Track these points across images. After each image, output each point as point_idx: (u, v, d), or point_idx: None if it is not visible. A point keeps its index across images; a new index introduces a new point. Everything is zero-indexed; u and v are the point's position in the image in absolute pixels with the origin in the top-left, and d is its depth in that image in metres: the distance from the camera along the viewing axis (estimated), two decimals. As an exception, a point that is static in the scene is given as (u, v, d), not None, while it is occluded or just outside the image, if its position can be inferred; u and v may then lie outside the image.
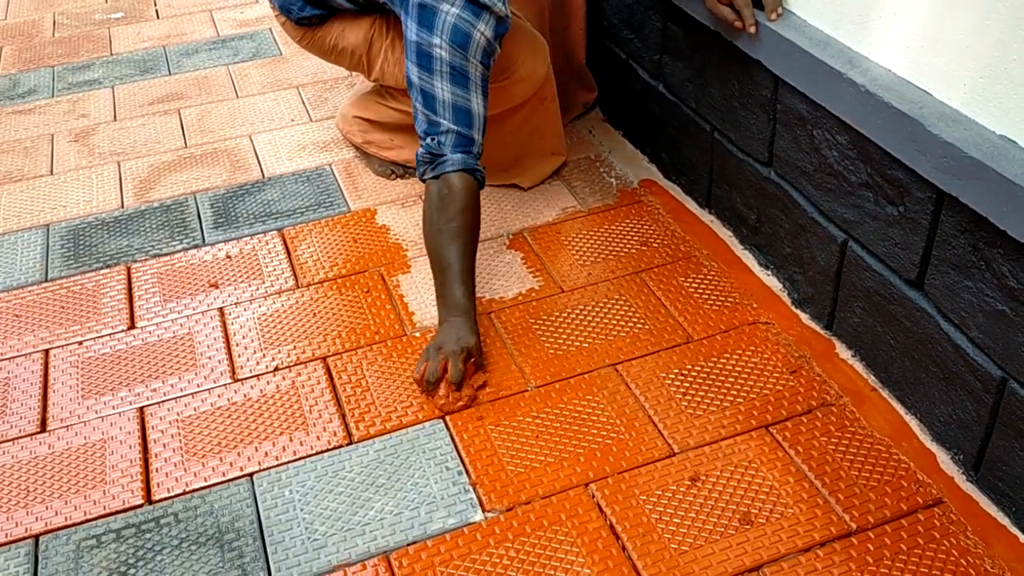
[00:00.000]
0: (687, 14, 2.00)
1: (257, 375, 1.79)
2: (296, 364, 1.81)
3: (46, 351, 1.88)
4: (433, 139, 1.83)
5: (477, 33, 1.79)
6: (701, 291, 1.95)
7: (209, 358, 1.84)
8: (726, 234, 2.11)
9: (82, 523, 1.52)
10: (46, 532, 1.51)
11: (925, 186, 1.45)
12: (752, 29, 1.75)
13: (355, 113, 2.42)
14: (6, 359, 1.86)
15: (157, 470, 1.61)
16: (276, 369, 1.80)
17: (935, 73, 1.43)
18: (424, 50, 1.79)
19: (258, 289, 2.02)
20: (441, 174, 1.82)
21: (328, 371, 1.79)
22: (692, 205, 2.22)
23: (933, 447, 1.58)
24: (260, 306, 1.97)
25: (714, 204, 2.15)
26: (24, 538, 1.50)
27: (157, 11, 3.48)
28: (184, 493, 1.56)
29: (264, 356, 1.84)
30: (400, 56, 2.08)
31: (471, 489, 1.54)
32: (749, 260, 2.03)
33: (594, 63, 2.55)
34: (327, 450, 1.63)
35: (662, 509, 1.49)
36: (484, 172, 1.86)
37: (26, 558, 1.47)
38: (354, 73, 2.70)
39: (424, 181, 1.87)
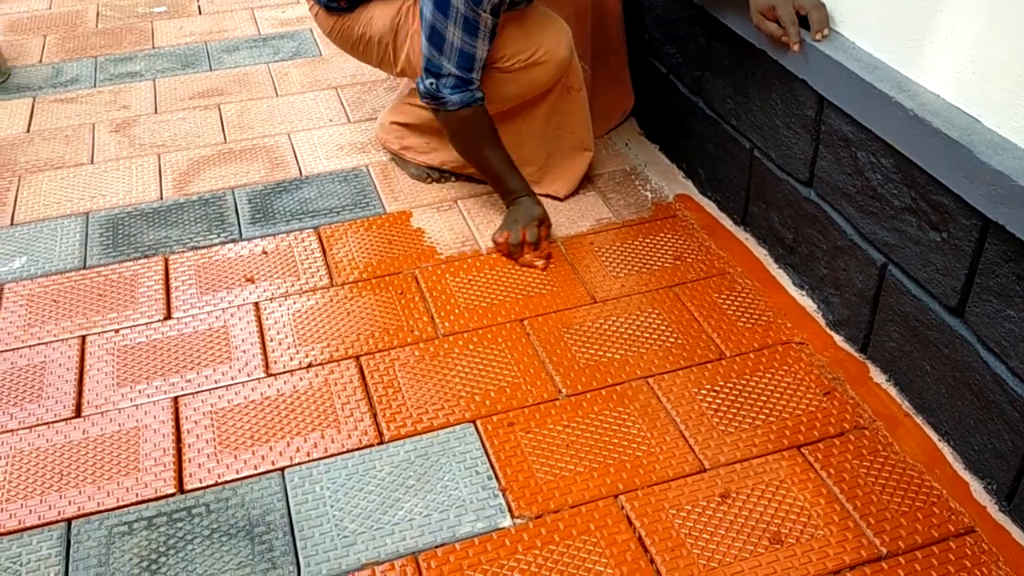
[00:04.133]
0: (732, 31, 2.00)
1: (290, 371, 1.80)
2: (329, 361, 1.82)
3: (83, 337, 1.90)
4: (433, 82, 2.02)
5: None
6: (735, 308, 1.95)
7: (243, 352, 1.85)
8: (761, 252, 2.10)
9: (114, 509, 1.54)
10: (79, 516, 1.52)
11: (971, 213, 1.45)
12: (796, 47, 1.76)
13: (391, 119, 2.44)
14: (43, 344, 1.88)
15: (190, 460, 1.62)
16: (309, 366, 1.81)
17: (986, 101, 1.43)
18: None
19: (293, 286, 2.04)
20: (445, 111, 2.06)
21: (361, 370, 1.80)
22: (727, 222, 2.22)
23: (966, 475, 1.57)
24: (295, 303, 1.99)
25: (750, 222, 2.14)
26: (57, 521, 1.52)
27: (199, 7, 3.52)
28: (216, 484, 1.57)
29: (298, 352, 1.85)
30: None
31: (500, 495, 1.55)
32: (784, 279, 2.02)
33: (634, 76, 2.55)
34: (358, 448, 1.64)
35: (692, 524, 1.49)
36: (483, 95, 2.05)
37: (59, 541, 1.48)
38: (390, 77, 2.73)
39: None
